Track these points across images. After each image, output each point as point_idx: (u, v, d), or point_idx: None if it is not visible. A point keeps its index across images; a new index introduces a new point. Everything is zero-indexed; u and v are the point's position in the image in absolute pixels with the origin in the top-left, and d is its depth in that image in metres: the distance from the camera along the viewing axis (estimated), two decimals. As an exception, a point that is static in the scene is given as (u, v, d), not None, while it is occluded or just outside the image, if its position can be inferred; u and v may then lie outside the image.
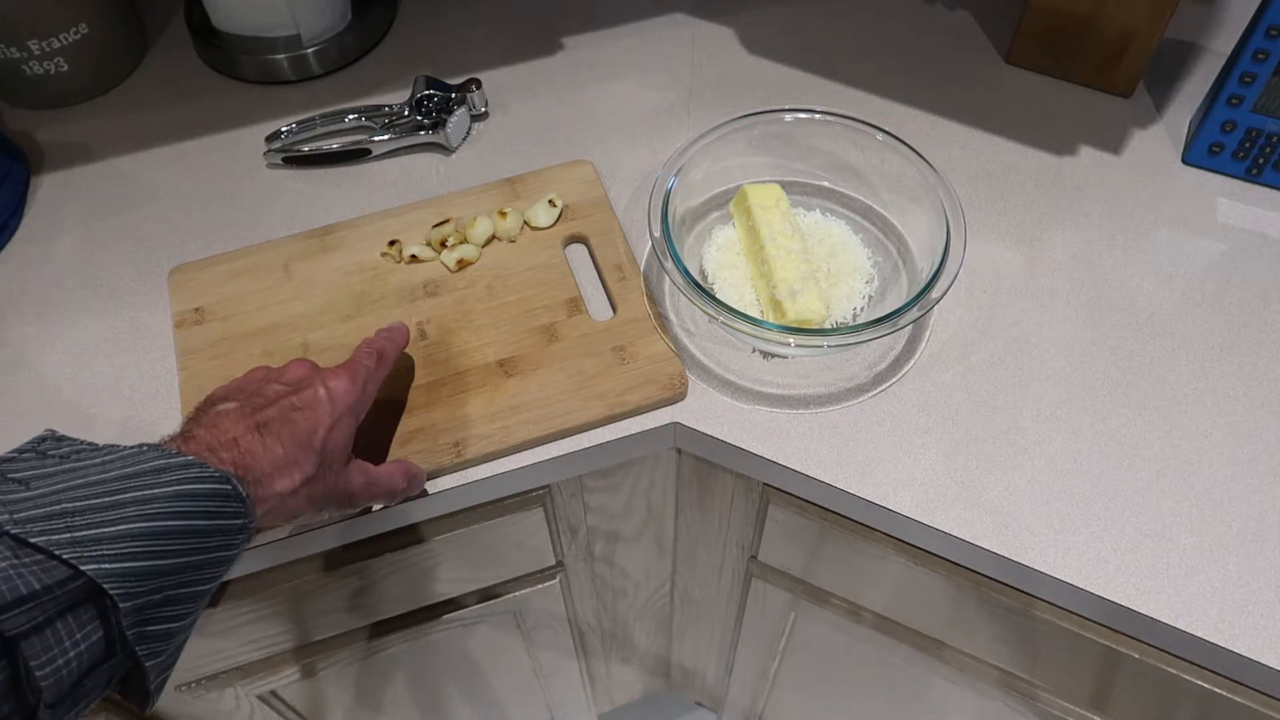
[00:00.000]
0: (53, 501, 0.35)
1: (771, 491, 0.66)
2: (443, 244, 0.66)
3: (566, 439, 0.59)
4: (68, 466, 0.37)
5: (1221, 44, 0.80)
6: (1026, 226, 0.69)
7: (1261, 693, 0.55)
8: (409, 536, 0.64)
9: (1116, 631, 0.58)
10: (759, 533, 0.72)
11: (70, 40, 0.75)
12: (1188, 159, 0.73)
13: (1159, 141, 0.75)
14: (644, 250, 0.68)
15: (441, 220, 0.67)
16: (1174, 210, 0.70)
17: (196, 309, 0.64)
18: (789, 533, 0.69)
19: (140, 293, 0.67)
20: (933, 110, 0.77)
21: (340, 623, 0.72)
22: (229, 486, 0.40)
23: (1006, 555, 0.55)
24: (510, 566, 0.75)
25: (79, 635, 0.35)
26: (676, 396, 0.60)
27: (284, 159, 0.74)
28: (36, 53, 0.75)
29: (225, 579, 0.47)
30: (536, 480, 0.61)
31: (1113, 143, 0.74)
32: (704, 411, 0.61)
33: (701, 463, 0.68)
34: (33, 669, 0.34)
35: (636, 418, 0.60)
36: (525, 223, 0.68)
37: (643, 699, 1.17)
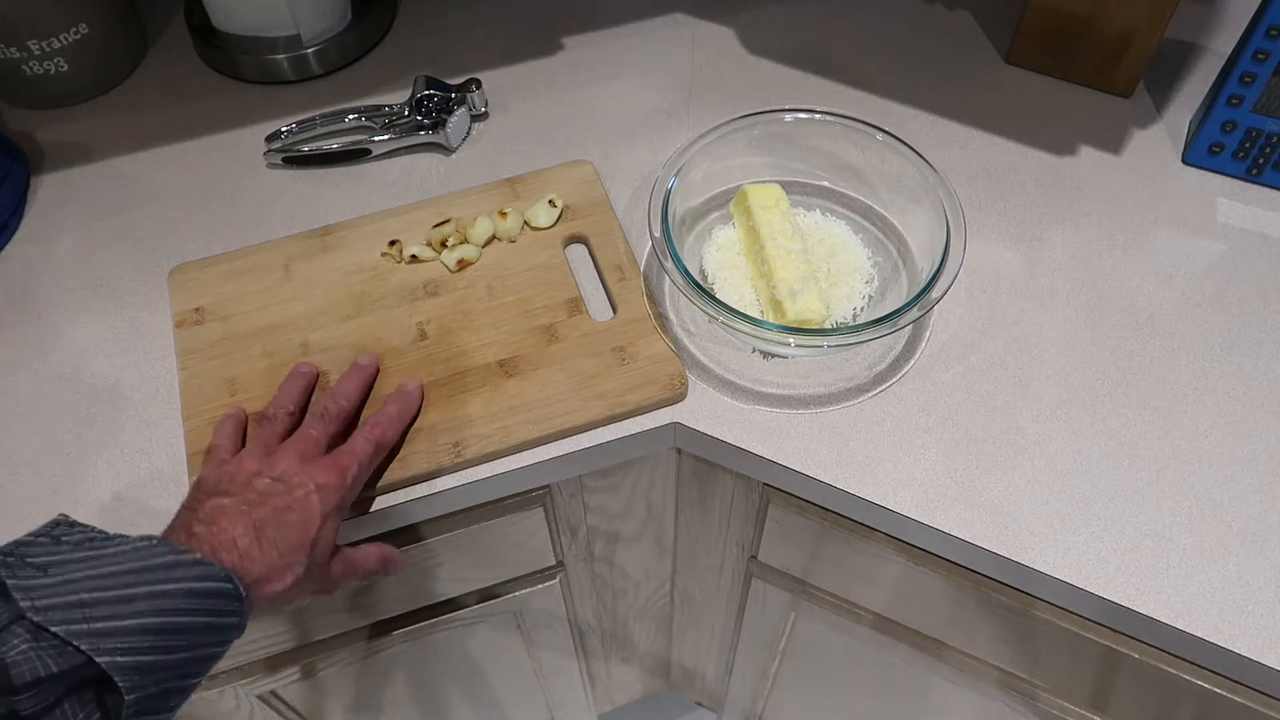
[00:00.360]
0: (70, 590, 0.37)
1: (771, 491, 0.66)
2: (443, 244, 0.66)
3: (566, 439, 0.59)
4: (82, 555, 0.39)
5: (1221, 44, 0.80)
6: (1026, 226, 0.69)
7: (1261, 693, 0.55)
8: (409, 536, 0.64)
9: (1116, 631, 0.58)
10: (759, 533, 0.72)
11: (70, 40, 0.75)
12: (1188, 159, 0.73)
13: (1159, 141, 0.75)
14: (644, 250, 0.68)
15: (442, 220, 0.67)
16: (1174, 210, 0.70)
17: (196, 309, 0.64)
18: (789, 533, 0.69)
19: (140, 293, 0.67)
20: (933, 110, 0.77)
21: (340, 623, 0.72)
22: (231, 586, 0.42)
23: (1006, 555, 0.55)
24: (510, 566, 0.75)
25: (81, 716, 0.37)
26: (676, 397, 0.60)
27: (284, 159, 0.74)
28: (36, 53, 0.75)
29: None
30: (536, 480, 0.61)
31: (1113, 143, 0.74)
32: (704, 411, 0.61)
33: (701, 463, 0.68)
34: None
35: (636, 418, 0.60)
36: (525, 223, 0.68)
37: (643, 699, 1.17)
